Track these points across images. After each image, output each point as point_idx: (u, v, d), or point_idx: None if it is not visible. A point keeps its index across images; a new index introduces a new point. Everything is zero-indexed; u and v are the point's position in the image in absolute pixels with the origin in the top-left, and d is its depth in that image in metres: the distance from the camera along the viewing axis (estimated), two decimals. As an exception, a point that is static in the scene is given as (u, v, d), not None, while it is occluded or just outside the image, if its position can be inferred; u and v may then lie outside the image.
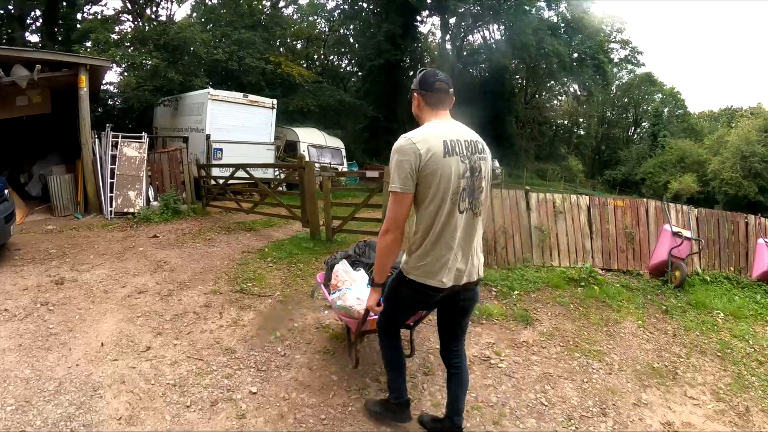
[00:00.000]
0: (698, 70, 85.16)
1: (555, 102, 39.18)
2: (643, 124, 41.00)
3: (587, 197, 5.75)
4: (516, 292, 4.26)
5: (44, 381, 2.53)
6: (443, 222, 1.73)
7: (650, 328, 4.03)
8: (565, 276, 4.74)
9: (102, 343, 2.98)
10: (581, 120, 42.35)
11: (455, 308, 1.95)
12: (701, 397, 2.96)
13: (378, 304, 1.92)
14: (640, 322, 4.07)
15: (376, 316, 2.09)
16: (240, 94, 10.13)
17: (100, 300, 3.74)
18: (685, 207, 6.08)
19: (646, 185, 31.34)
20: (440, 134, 1.72)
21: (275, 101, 10.79)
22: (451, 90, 1.82)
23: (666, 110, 37.59)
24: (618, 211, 5.69)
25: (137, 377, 2.63)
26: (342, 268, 2.69)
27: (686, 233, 5.22)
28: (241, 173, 7.35)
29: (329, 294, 2.68)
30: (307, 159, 11.98)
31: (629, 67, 33.79)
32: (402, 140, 1.72)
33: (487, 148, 1.86)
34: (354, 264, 2.80)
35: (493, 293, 4.21)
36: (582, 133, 43.46)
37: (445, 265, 1.76)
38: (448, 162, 1.69)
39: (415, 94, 1.85)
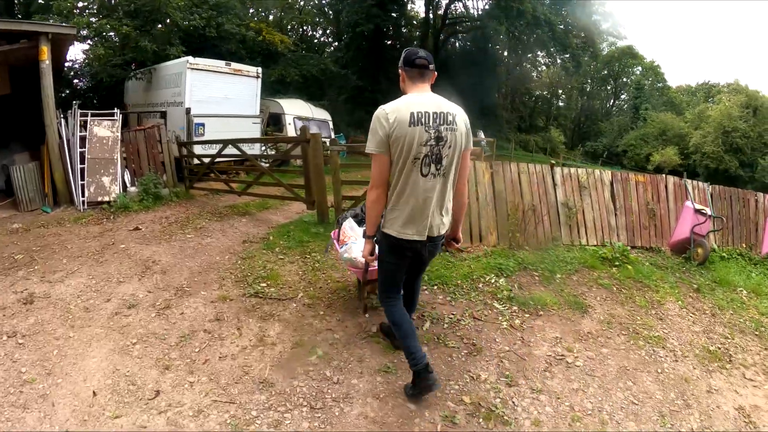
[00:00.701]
0: (675, 44, 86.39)
1: (534, 74, 38.75)
2: (622, 96, 41.31)
3: (609, 172, 5.52)
4: (558, 275, 4.00)
5: (29, 461, 1.82)
6: (404, 182, 1.98)
7: (690, 308, 3.95)
8: (598, 255, 4.54)
9: (94, 392, 2.25)
10: (560, 92, 42.31)
11: (419, 258, 2.17)
12: (756, 378, 2.97)
13: (372, 254, 2.15)
14: (680, 302, 3.97)
15: (376, 267, 2.32)
16: (222, 63, 9.15)
17: (82, 323, 2.94)
18: (701, 184, 6.05)
19: (627, 157, 31.75)
20: (411, 105, 1.94)
21: (260, 70, 9.90)
22: (431, 66, 2.03)
23: (647, 83, 37.78)
24: (640, 187, 5.51)
25: (154, 443, 1.94)
26: (348, 225, 2.95)
27: (708, 211, 5.21)
28: (227, 150, 6.63)
29: (339, 248, 2.89)
30: (293, 133, 11.29)
31: (610, 39, 33.61)
32: (378, 110, 1.98)
33: (460, 121, 2.01)
34: (361, 222, 2.98)
35: (536, 278, 3.91)
36: (561, 104, 43.53)
37: (410, 219, 2.00)
38: (412, 130, 1.91)
39: (400, 70, 2.08)
